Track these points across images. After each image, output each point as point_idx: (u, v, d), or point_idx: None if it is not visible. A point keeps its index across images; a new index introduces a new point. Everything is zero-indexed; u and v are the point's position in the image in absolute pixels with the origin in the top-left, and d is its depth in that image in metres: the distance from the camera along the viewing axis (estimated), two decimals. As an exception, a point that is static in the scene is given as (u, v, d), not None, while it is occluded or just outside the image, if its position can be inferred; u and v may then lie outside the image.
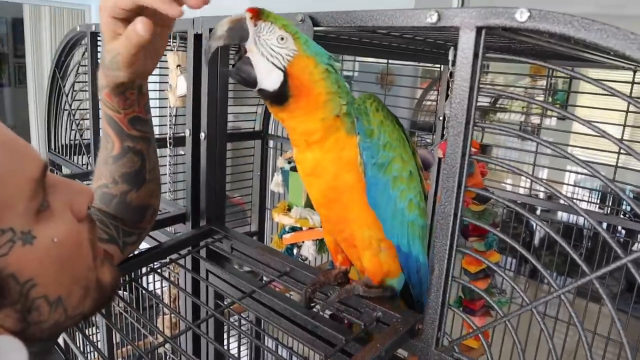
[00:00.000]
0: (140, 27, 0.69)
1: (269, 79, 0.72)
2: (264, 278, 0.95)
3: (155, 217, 0.95)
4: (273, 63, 0.71)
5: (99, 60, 1.51)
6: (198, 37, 1.03)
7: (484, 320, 1.35)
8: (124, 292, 2.18)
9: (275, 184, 1.79)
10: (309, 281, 0.83)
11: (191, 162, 1.10)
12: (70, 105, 1.71)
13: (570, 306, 0.60)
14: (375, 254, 0.81)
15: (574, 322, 0.60)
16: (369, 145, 0.76)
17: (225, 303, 1.11)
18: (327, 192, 0.80)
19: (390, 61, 1.97)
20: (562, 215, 3.02)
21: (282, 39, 0.71)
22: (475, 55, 0.61)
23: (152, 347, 0.76)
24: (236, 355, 1.75)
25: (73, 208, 0.61)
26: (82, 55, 1.67)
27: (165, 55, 1.78)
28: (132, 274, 0.97)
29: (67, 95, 1.71)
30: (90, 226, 0.65)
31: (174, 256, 1.01)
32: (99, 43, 1.53)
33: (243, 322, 1.46)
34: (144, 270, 0.97)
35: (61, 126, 1.78)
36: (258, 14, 0.70)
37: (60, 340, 0.75)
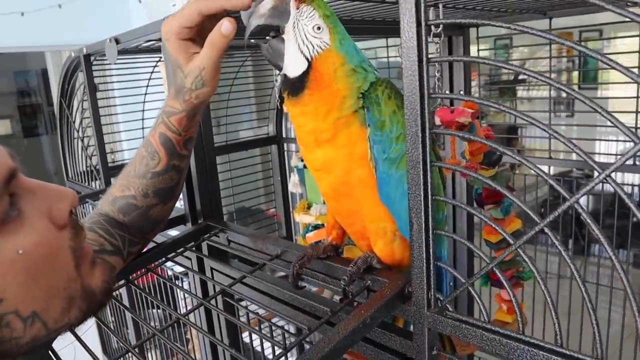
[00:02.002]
0: (227, 25, 0.70)
1: (293, 66, 0.71)
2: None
3: (162, 228, 0.96)
4: (302, 51, 0.70)
5: (95, 83, 1.54)
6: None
7: (515, 292, 1.28)
8: (157, 310, 2.20)
9: (292, 184, 1.78)
10: (295, 257, 0.79)
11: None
12: (78, 132, 1.75)
13: (556, 240, 0.54)
14: (388, 244, 0.77)
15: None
16: (379, 139, 0.72)
17: (236, 300, 1.10)
18: (338, 187, 0.77)
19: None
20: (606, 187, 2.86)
21: (319, 28, 0.70)
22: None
23: (139, 342, 0.74)
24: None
25: (52, 214, 0.57)
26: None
27: (157, 66, 1.81)
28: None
29: (74, 122, 1.75)
30: (74, 233, 0.61)
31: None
32: (93, 67, 1.57)
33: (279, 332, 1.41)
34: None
35: (74, 153, 1.83)
36: None
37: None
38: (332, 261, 0.80)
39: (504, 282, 0.61)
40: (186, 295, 1.79)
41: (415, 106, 0.60)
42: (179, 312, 2.32)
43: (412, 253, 0.65)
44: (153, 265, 0.95)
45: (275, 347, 0.76)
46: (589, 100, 0.49)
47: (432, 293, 0.65)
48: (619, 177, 1.82)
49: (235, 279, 0.99)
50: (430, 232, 0.63)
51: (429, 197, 0.62)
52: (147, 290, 1.72)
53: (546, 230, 0.54)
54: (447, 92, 1.64)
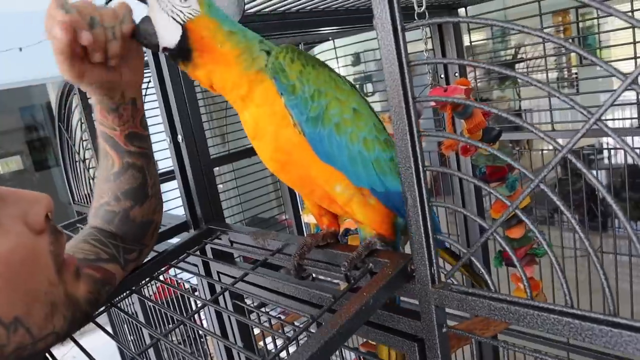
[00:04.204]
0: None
1: (168, 34, 0.69)
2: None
3: (157, 232, 0.93)
4: (173, 18, 0.69)
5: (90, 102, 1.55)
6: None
7: (531, 269, 1.25)
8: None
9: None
10: (295, 249, 0.78)
11: (178, 168, 1.08)
12: (79, 154, 1.76)
13: (554, 196, 0.52)
14: (364, 204, 0.75)
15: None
16: (295, 102, 0.70)
17: (247, 302, 1.08)
18: (275, 155, 0.75)
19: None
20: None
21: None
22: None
23: (145, 347, 0.73)
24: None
25: (28, 220, 0.58)
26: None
27: (150, 82, 1.81)
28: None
29: (74, 145, 1.76)
30: (54, 238, 0.62)
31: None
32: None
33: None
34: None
35: (77, 176, 1.84)
36: None
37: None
38: (333, 248, 0.78)
39: (501, 242, 0.59)
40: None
41: (395, 76, 0.58)
42: (197, 324, 2.30)
43: (409, 229, 0.63)
44: (157, 272, 0.94)
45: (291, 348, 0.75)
46: (585, 50, 0.47)
47: (434, 268, 0.63)
48: (630, 142, 1.78)
49: (243, 280, 0.99)
50: (426, 204, 0.61)
51: (420, 168, 0.60)
52: (165, 305, 1.71)
53: (542, 186, 0.52)
54: (442, 76, 1.62)
